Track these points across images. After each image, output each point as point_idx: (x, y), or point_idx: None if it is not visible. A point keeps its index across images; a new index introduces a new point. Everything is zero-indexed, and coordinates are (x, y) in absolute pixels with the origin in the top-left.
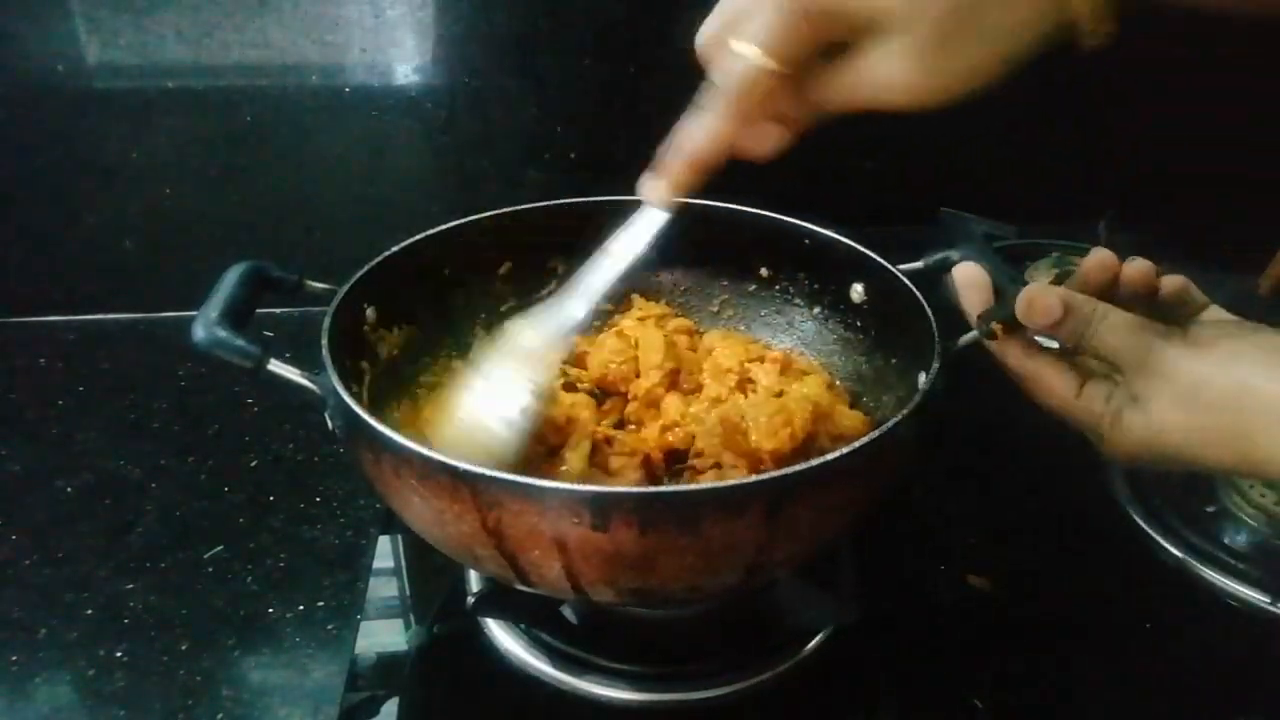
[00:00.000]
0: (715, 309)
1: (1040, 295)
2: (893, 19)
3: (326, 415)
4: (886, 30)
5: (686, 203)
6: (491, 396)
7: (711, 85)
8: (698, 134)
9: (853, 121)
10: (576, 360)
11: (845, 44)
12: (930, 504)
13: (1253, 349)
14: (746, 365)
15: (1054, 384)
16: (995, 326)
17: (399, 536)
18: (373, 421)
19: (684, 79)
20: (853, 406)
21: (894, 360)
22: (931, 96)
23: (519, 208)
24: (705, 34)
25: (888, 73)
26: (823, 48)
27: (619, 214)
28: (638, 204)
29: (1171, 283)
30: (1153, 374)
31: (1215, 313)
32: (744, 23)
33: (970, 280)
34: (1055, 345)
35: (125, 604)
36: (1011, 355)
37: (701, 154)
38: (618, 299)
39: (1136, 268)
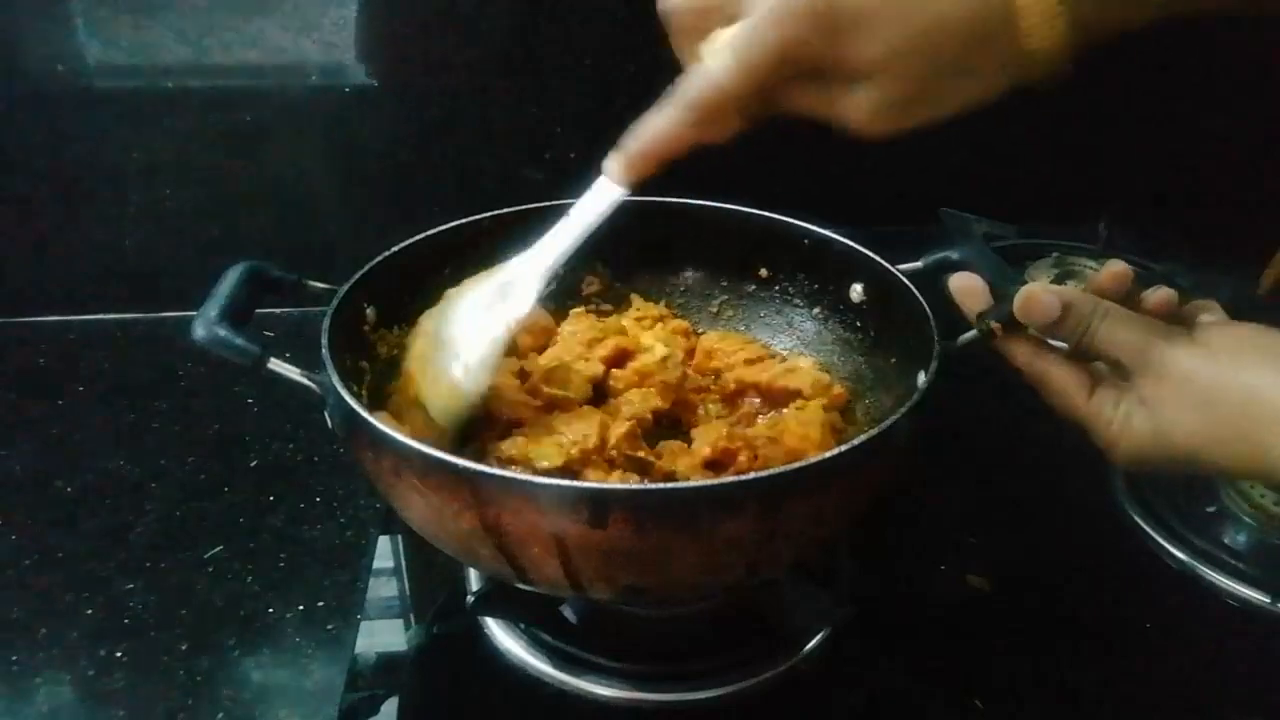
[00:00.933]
0: (715, 309)
1: (1038, 294)
2: (871, 70)
3: (326, 414)
4: (869, 79)
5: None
6: (451, 351)
7: (677, 82)
8: (657, 128)
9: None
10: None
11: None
12: (930, 504)
13: (1259, 352)
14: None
15: (1064, 386)
16: (994, 326)
17: (399, 536)
18: (373, 420)
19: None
20: (852, 406)
21: (894, 360)
22: (890, 134)
23: (519, 208)
24: (677, 5)
25: (855, 109)
26: (792, 81)
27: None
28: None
29: (1161, 297)
30: (1157, 375)
31: (1217, 313)
32: (718, 17)
33: (967, 289)
34: (1065, 346)
35: (125, 604)
36: (1021, 355)
37: (658, 148)
38: (618, 299)
39: (1160, 298)
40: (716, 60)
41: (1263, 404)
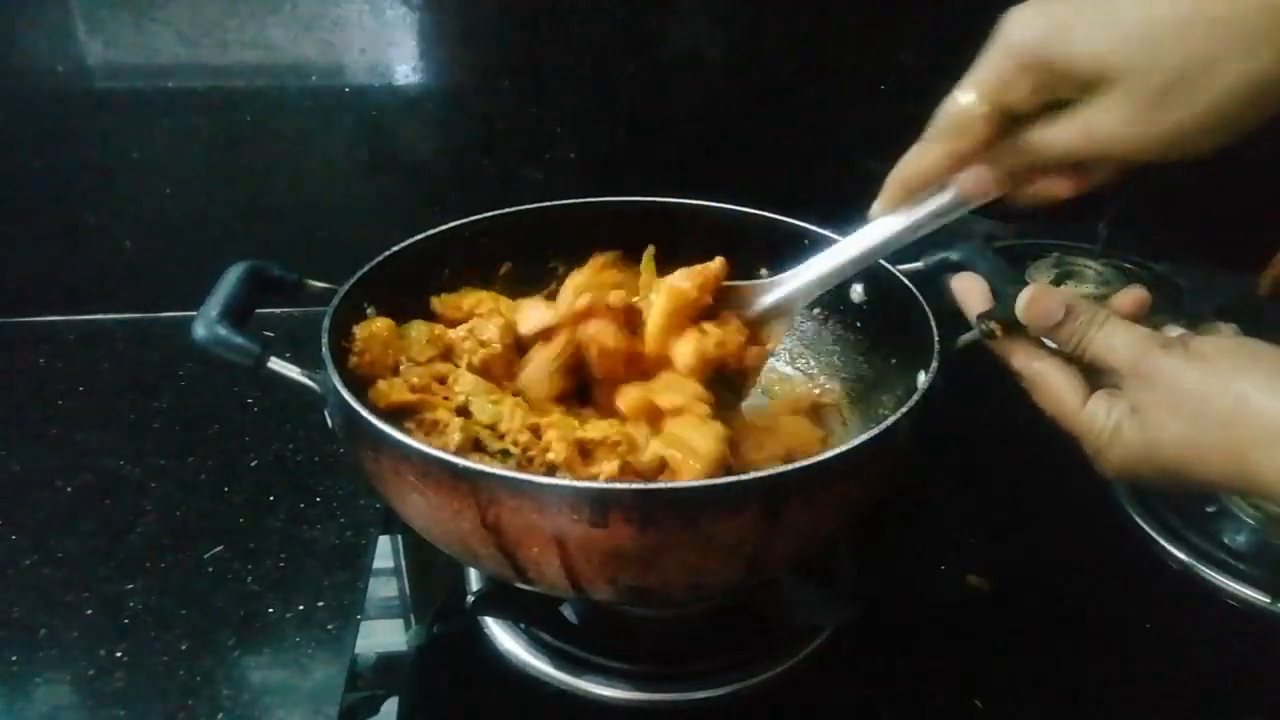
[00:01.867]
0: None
1: (1042, 296)
2: (1119, 71)
3: (326, 414)
4: (1111, 82)
5: None
6: None
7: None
8: (910, 163)
9: (851, 121)
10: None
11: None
12: (930, 504)
13: (1253, 364)
14: None
15: (1058, 391)
16: (994, 325)
17: (399, 536)
18: (373, 419)
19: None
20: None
21: (894, 360)
22: (1152, 150)
23: (519, 208)
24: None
25: (1109, 124)
26: (1042, 98)
27: (619, 214)
28: (638, 204)
29: (1132, 298)
30: (1149, 383)
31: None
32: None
33: (967, 289)
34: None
35: (125, 604)
36: (1017, 357)
37: (912, 180)
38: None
39: (1131, 299)
40: (963, 89)
41: (1250, 416)
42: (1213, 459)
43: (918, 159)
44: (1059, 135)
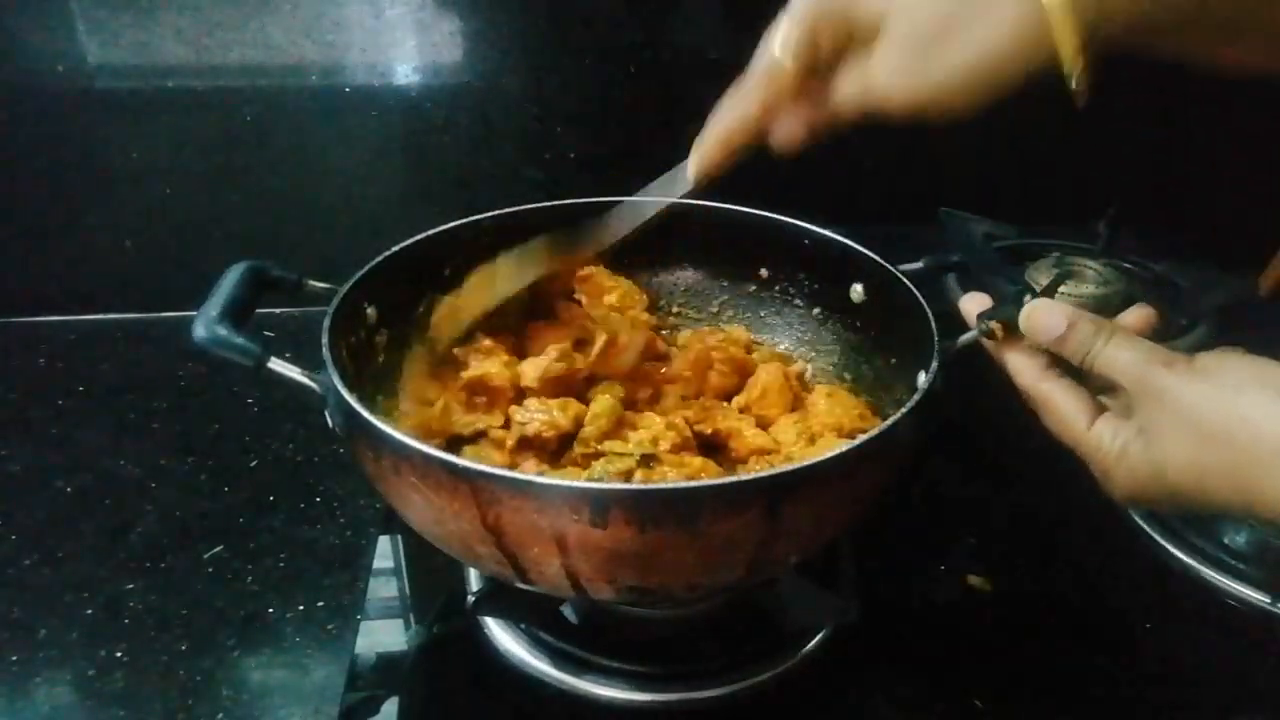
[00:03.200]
0: (715, 309)
1: (1043, 309)
2: (892, 22)
3: (327, 414)
4: (886, 33)
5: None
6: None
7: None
8: (723, 113)
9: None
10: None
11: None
12: (930, 504)
13: (1259, 384)
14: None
15: (1065, 411)
16: (994, 325)
17: (399, 536)
18: (373, 419)
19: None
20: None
21: (894, 360)
22: (921, 101)
23: (519, 208)
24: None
25: (881, 76)
26: (836, 52)
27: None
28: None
29: (1140, 316)
30: (1156, 401)
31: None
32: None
33: (978, 309)
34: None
35: (125, 604)
36: (1025, 375)
37: (727, 132)
38: None
39: (1139, 316)
40: (772, 45)
41: (1258, 438)
42: (1218, 482)
43: (735, 113)
44: (845, 88)
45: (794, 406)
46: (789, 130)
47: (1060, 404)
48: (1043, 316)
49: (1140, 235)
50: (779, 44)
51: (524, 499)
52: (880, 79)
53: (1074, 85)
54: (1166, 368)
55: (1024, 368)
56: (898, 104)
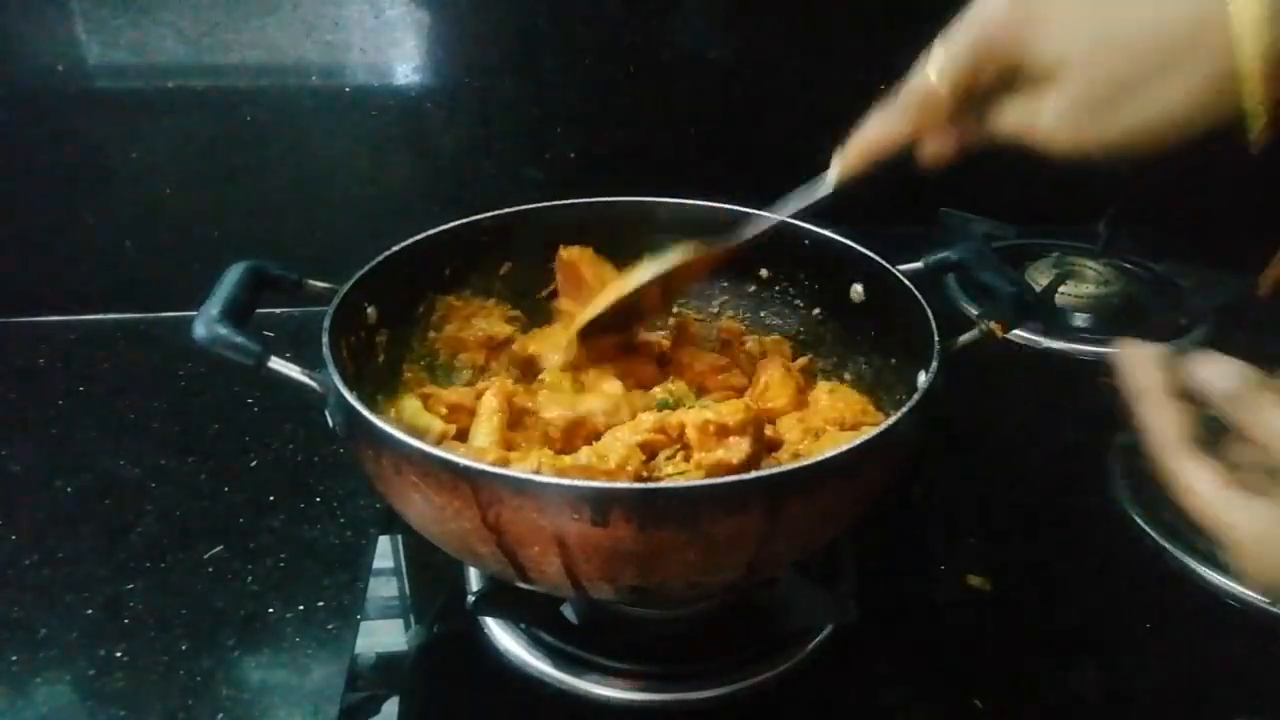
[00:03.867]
0: (715, 309)
1: (1217, 363)
2: (1065, 70)
3: (327, 413)
4: (1058, 80)
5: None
6: None
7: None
8: (872, 127)
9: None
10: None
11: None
12: (930, 504)
13: None
14: None
15: (1201, 485)
16: (994, 326)
17: (399, 536)
18: (373, 418)
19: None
20: None
21: (894, 360)
22: (1088, 149)
23: (519, 208)
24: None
25: (1050, 120)
26: (996, 85)
27: (619, 214)
28: (638, 204)
29: None
30: None
31: None
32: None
33: (1139, 364)
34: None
35: (125, 604)
36: (1166, 439)
37: (870, 145)
38: None
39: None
40: (929, 66)
41: None
42: None
43: (881, 128)
44: (1004, 121)
45: (799, 394)
46: (937, 150)
47: (1194, 477)
48: (1216, 370)
49: (1140, 235)
50: (935, 70)
51: (524, 498)
52: (1048, 124)
53: (1253, 137)
54: None
55: (1166, 428)
56: (1061, 149)
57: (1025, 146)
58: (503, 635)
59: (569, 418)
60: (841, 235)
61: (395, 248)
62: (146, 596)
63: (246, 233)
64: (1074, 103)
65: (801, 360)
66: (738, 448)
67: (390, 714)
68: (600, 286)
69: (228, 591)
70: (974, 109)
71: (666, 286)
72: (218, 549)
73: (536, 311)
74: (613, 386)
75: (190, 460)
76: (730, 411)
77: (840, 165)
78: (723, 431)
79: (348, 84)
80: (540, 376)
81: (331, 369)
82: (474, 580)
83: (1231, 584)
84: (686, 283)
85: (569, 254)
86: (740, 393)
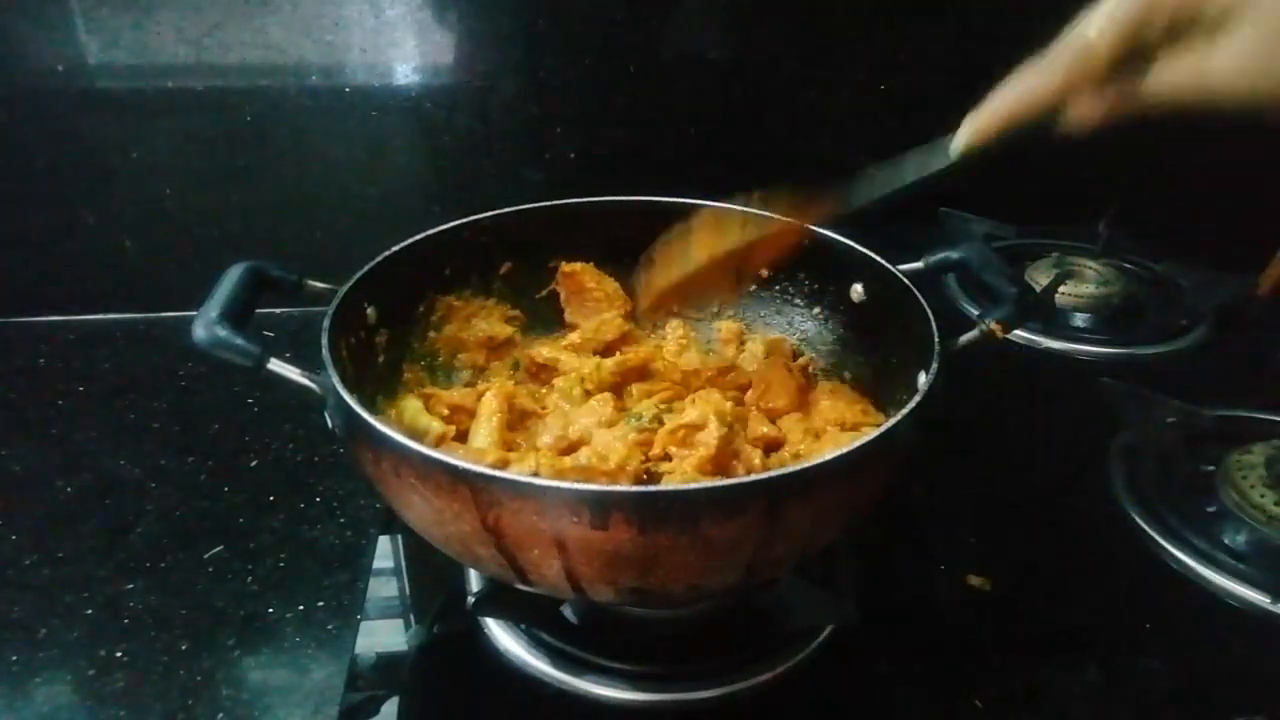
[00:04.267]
0: (715, 309)
1: None
2: (1249, 6)
3: (326, 414)
4: (1239, 19)
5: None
6: None
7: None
8: (1015, 86)
9: (851, 121)
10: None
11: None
12: (930, 504)
13: None
14: None
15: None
16: (994, 326)
17: (399, 536)
18: (373, 420)
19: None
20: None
21: (894, 360)
22: (1258, 98)
23: (519, 208)
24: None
25: (1228, 66)
26: (1169, 36)
27: (619, 214)
28: (638, 204)
29: None
30: None
31: None
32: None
33: None
34: None
35: (125, 604)
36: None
37: (1014, 105)
38: None
39: None
40: (1089, 19)
41: None
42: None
43: (1031, 85)
44: (1170, 76)
45: (800, 394)
46: (1085, 112)
47: None
48: None
49: (1140, 235)
50: (1098, 23)
51: (524, 501)
52: (1226, 70)
53: None
54: None
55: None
56: (1239, 98)
57: (1190, 104)
58: (503, 635)
59: (567, 441)
60: (841, 235)
61: (395, 248)
62: (146, 596)
63: (246, 233)
64: (1260, 40)
65: (801, 360)
66: (708, 436)
67: (390, 714)
68: (603, 296)
69: (228, 591)
70: (1133, 67)
71: (746, 258)
72: (218, 549)
73: (536, 311)
74: (605, 404)
75: (190, 460)
76: (692, 410)
77: (972, 127)
78: (691, 430)
79: (348, 84)
80: (553, 381)
81: (331, 371)
82: (474, 581)
83: (1232, 584)
84: (771, 255)
85: (570, 267)
86: (742, 392)
